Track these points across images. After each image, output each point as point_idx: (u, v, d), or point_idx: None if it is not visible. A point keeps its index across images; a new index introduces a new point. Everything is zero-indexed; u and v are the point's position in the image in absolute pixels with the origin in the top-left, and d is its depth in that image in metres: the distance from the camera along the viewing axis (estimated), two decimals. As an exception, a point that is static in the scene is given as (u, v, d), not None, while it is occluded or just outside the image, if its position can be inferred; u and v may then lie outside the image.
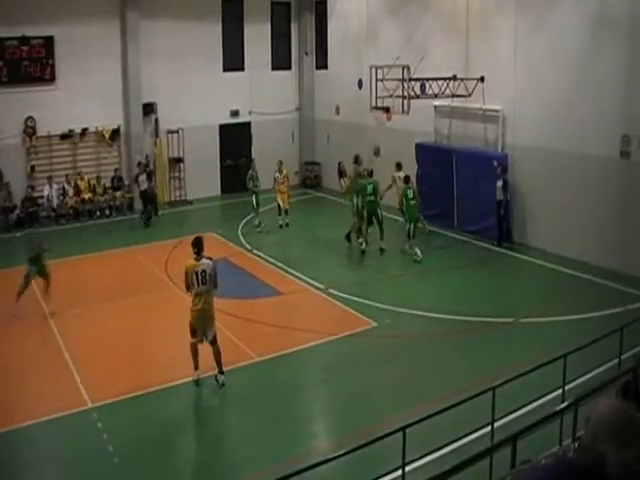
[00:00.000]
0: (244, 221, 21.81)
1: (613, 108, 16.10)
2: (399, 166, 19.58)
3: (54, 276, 16.91)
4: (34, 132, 22.27)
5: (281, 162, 21.49)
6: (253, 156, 24.52)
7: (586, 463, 3.23)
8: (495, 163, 18.68)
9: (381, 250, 18.36)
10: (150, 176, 23.06)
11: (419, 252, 17.48)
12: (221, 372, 11.31)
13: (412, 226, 17.70)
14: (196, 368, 11.35)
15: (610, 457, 3.12)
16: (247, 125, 26.80)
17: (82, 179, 23.18)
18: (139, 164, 22.82)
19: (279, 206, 20.98)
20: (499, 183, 18.34)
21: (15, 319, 14.07)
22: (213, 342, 11.31)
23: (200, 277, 11.04)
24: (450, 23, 20.42)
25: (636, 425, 3.18)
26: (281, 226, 21.02)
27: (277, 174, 21.14)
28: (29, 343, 13.10)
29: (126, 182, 24.04)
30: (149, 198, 22.59)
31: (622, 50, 15.78)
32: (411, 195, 17.91)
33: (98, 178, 23.43)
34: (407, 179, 18.50)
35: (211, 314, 11.29)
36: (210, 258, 11.34)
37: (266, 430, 10.10)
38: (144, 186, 22.40)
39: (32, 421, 10.12)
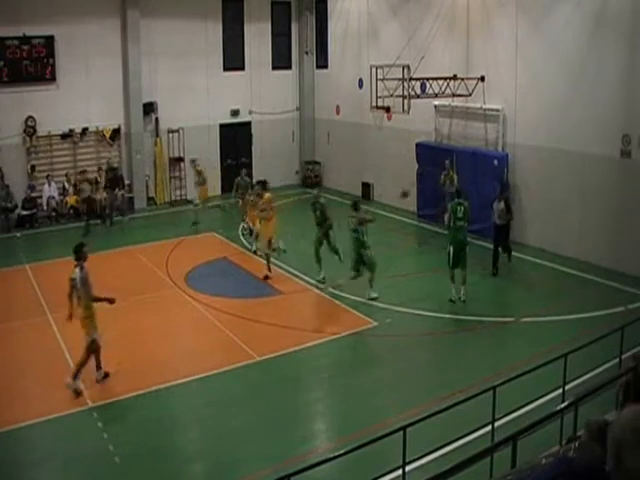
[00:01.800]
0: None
1: (613, 108, 16.11)
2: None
3: (53, 276, 16.93)
4: (34, 132, 22.25)
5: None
6: (252, 159, 24.51)
7: (586, 463, 3.25)
8: (493, 164, 18.69)
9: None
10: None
11: (454, 292, 14.85)
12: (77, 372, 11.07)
13: (451, 251, 14.86)
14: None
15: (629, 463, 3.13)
16: (247, 125, 26.80)
17: (86, 180, 23.04)
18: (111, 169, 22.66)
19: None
20: (499, 205, 16.66)
21: (15, 318, 14.12)
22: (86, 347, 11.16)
23: (72, 284, 11.15)
24: (450, 22, 20.41)
25: None
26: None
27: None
28: (29, 343, 13.10)
29: (126, 181, 24.02)
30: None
31: (622, 49, 15.78)
32: (461, 214, 14.83)
33: (99, 170, 23.24)
34: (459, 193, 15.40)
35: (84, 322, 11.18)
36: (82, 267, 11.21)
37: (266, 429, 10.10)
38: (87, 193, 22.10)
39: (32, 420, 10.12)
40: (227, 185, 26.18)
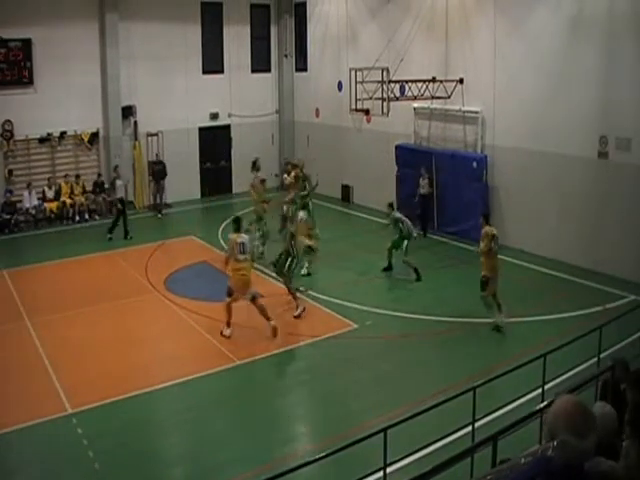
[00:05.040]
0: (224, 224, 21.72)
1: (591, 109, 16.25)
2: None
3: (31, 281, 16.86)
4: (12, 136, 22.03)
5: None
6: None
7: (564, 461, 3.27)
8: (472, 166, 18.79)
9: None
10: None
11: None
12: None
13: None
14: None
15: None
16: (227, 128, 26.74)
17: (66, 183, 22.92)
18: (115, 168, 22.25)
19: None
20: (425, 181, 19.93)
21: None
22: None
23: None
24: (429, 25, 20.48)
25: (589, 415, 3.30)
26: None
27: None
28: (7, 348, 12.97)
29: (107, 186, 23.89)
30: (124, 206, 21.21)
31: (600, 51, 15.92)
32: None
33: (77, 177, 23.15)
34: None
35: None
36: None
37: (247, 433, 10.08)
38: (122, 192, 21.37)
39: (11, 428, 10.00)
40: (206, 189, 26.25)
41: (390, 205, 17.22)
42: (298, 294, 14.76)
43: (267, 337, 13.29)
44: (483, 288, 13.39)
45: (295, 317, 14.33)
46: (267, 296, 15.55)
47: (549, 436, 3.31)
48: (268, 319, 13.25)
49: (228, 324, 13.31)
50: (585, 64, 16.28)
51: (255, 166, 19.09)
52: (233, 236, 13.51)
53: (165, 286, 16.30)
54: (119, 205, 20.74)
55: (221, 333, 13.32)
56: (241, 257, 13.26)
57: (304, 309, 14.48)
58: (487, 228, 13.56)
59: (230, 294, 13.46)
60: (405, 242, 16.46)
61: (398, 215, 16.80)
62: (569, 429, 3.21)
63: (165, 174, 24.20)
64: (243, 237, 13.46)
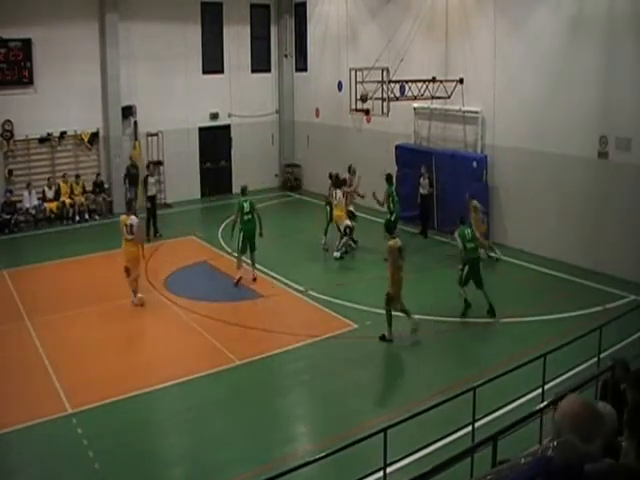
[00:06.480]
0: (224, 224, 21.72)
1: (591, 109, 16.25)
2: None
3: (32, 281, 16.83)
4: (12, 136, 22.02)
5: None
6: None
7: (564, 461, 3.27)
8: (472, 166, 18.79)
9: None
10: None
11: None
12: None
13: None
14: None
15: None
16: (227, 128, 26.74)
17: (65, 182, 22.95)
18: (149, 165, 21.96)
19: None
20: (425, 181, 19.77)
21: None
22: None
23: None
24: (429, 25, 20.48)
25: (597, 418, 3.27)
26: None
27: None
28: (7, 349, 12.96)
29: (106, 186, 23.89)
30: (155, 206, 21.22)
31: (600, 51, 15.92)
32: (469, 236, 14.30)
33: (77, 177, 23.19)
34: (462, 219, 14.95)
35: None
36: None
37: (247, 433, 10.08)
38: (153, 191, 21.15)
39: (11, 428, 10.01)
40: (206, 189, 26.25)
41: (461, 220, 14.85)
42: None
43: (265, 337, 13.31)
44: (388, 303, 12.94)
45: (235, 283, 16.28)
46: (272, 295, 15.59)
47: (555, 434, 3.29)
48: (134, 292, 15.05)
49: (134, 293, 15.08)
50: (585, 64, 16.28)
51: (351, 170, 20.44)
52: (123, 217, 15.21)
53: (165, 286, 16.31)
54: (148, 204, 20.76)
55: (132, 302, 14.99)
56: (128, 237, 14.92)
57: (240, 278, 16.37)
58: (391, 242, 12.91)
59: (126, 271, 15.01)
60: (466, 268, 14.14)
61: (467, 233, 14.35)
62: (573, 430, 3.19)
63: (138, 181, 23.16)
64: (132, 219, 14.94)
